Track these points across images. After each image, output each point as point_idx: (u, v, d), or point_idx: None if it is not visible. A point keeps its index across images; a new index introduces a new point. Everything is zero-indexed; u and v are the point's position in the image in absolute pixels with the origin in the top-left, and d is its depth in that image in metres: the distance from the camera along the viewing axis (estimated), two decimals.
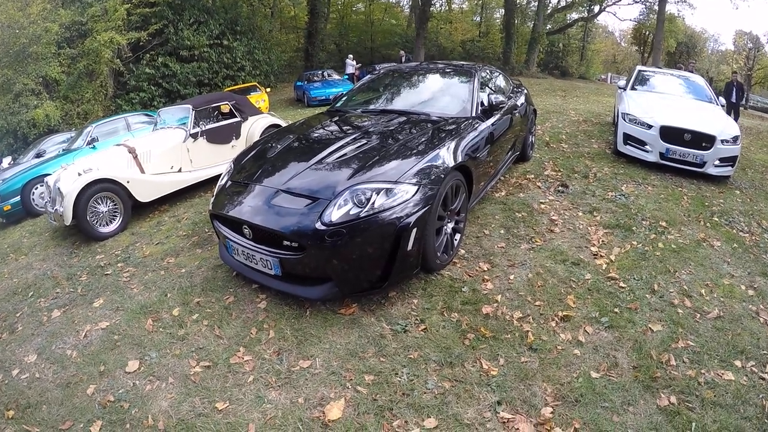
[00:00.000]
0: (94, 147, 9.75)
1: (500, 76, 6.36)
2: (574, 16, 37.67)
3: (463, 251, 4.33)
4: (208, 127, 7.44)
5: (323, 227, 3.14)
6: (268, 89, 19.47)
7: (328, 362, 3.08)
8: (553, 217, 5.08)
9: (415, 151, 3.72)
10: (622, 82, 9.47)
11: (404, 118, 4.58)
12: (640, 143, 7.11)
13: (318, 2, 29.24)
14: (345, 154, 3.74)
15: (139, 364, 3.28)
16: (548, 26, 34.92)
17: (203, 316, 3.70)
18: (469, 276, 3.91)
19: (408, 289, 3.71)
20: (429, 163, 3.58)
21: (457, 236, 4.19)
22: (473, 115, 4.69)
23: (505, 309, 3.48)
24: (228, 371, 3.10)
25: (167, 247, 5.28)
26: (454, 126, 4.35)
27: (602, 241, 4.59)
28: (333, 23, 36.96)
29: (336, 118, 4.97)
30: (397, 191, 3.27)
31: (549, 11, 34.53)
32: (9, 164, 12.71)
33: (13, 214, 8.66)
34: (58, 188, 6.01)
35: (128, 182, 6.23)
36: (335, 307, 3.57)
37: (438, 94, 5.25)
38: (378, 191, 3.24)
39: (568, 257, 4.23)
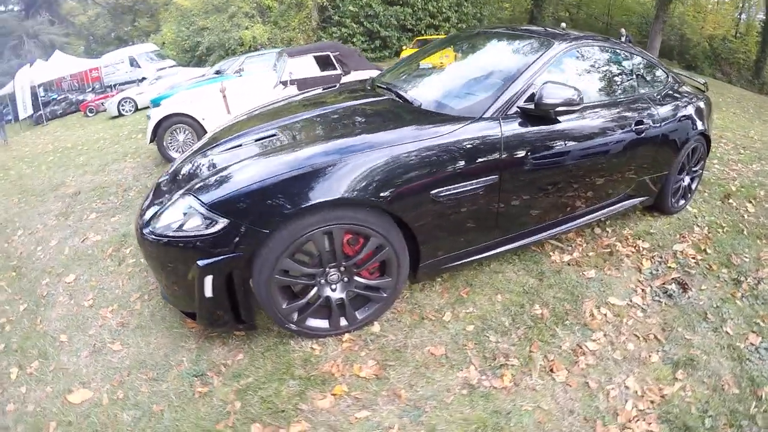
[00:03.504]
0: (241, 76, 10.12)
1: (638, 60, 3.67)
2: None
3: (376, 328, 2.66)
4: (301, 76, 6.91)
5: (148, 233, 2.31)
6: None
7: None
8: (597, 342, 2.64)
9: (273, 163, 2.32)
10: None
11: (358, 106, 3.13)
12: None
13: None
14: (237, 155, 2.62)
15: None
16: None
17: None
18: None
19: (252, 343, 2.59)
20: (270, 190, 2.17)
21: (366, 308, 2.63)
22: (489, 115, 2.62)
23: None
24: None
25: None
26: (394, 130, 2.51)
27: None
28: None
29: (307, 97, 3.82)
30: (198, 219, 2.16)
31: None
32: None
33: None
34: (148, 115, 6.70)
35: (203, 119, 6.51)
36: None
37: (462, 74, 3.46)
38: (192, 212, 2.18)
39: None
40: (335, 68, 7.37)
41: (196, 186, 2.31)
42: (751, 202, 4.59)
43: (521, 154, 2.66)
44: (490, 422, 2.09)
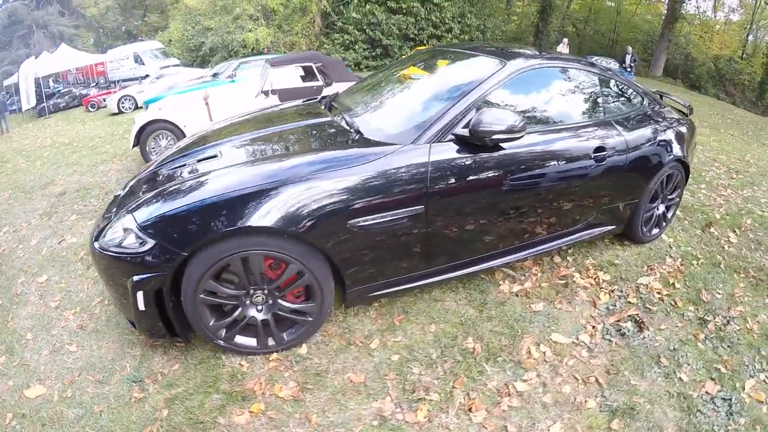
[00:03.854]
0: (233, 80, 10.38)
1: (606, 83, 3.51)
2: None
3: (303, 350, 2.69)
4: (283, 86, 7.06)
5: (96, 246, 2.43)
6: None
7: None
8: (528, 383, 2.48)
9: (198, 190, 2.41)
10: None
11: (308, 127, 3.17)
12: None
13: None
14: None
15: None
16: None
17: None
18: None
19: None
20: (190, 215, 2.27)
21: (293, 331, 2.67)
22: (418, 143, 2.55)
23: None
24: None
25: None
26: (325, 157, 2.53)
27: None
28: (580, 4, 33.01)
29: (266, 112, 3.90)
30: (133, 237, 2.31)
31: None
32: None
33: None
34: (134, 118, 6.91)
35: (185, 126, 6.60)
36: None
37: (405, 96, 3.36)
38: (129, 230, 2.33)
39: None
40: (317, 79, 7.40)
41: (134, 205, 2.42)
42: (734, 231, 4.32)
43: (453, 183, 2.57)
44: None
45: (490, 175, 2.69)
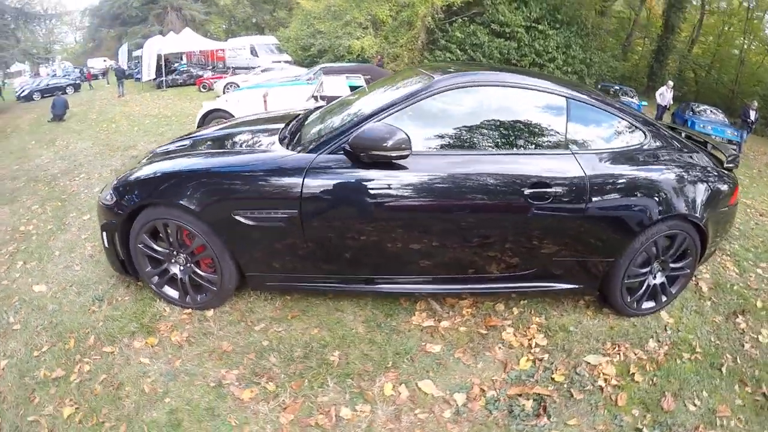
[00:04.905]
0: (311, 83, 11.30)
1: (583, 108, 2.86)
2: None
3: (209, 313, 3.04)
4: (331, 94, 7.68)
5: (98, 198, 3.15)
6: None
7: None
8: (356, 412, 2.31)
9: (155, 164, 2.97)
10: None
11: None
12: None
13: (674, 15, 24.87)
14: None
15: None
16: None
17: None
18: None
19: None
20: (138, 183, 2.87)
21: (205, 295, 3.03)
22: (312, 151, 2.64)
23: None
24: None
25: None
26: None
27: None
28: (703, 48, 31.06)
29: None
30: (110, 193, 2.94)
31: None
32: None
33: None
34: (202, 104, 8.01)
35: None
36: None
37: (334, 115, 3.23)
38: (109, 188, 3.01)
39: None
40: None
41: (125, 170, 3.11)
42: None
43: (329, 194, 2.58)
44: (194, 414, 2.25)
45: (372, 192, 2.59)
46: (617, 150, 2.85)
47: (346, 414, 2.27)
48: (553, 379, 2.56)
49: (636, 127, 2.92)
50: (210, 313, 2.96)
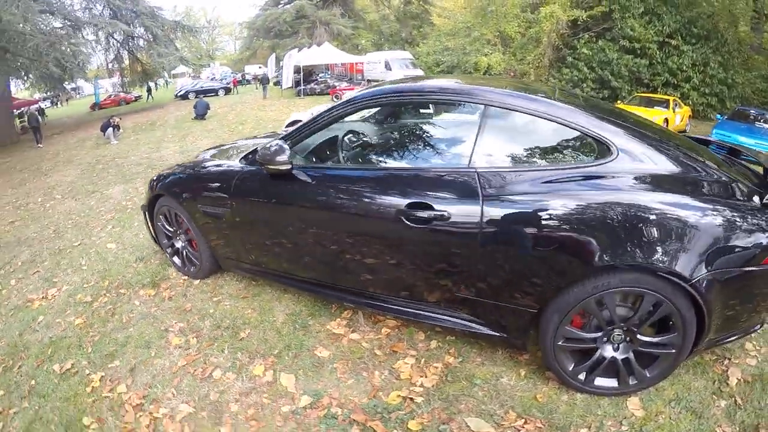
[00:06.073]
0: None
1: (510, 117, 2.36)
2: None
3: (193, 282, 3.69)
4: None
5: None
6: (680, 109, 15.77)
7: None
8: (222, 374, 2.65)
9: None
10: None
11: None
12: None
13: None
14: None
15: None
16: None
17: None
18: None
19: None
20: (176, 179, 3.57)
21: (193, 267, 3.70)
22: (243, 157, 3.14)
23: None
24: None
25: None
26: None
27: None
28: None
29: None
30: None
31: None
32: None
33: None
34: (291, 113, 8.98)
35: None
36: None
37: None
38: None
39: None
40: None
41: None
42: None
43: (245, 197, 2.96)
44: (138, 342, 3.01)
45: (272, 199, 2.88)
46: (547, 169, 2.22)
47: (217, 375, 2.63)
48: (406, 424, 2.21)
49: (600, 142, 2.15)
50: (196, 282, 3.70)
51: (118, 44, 23.22)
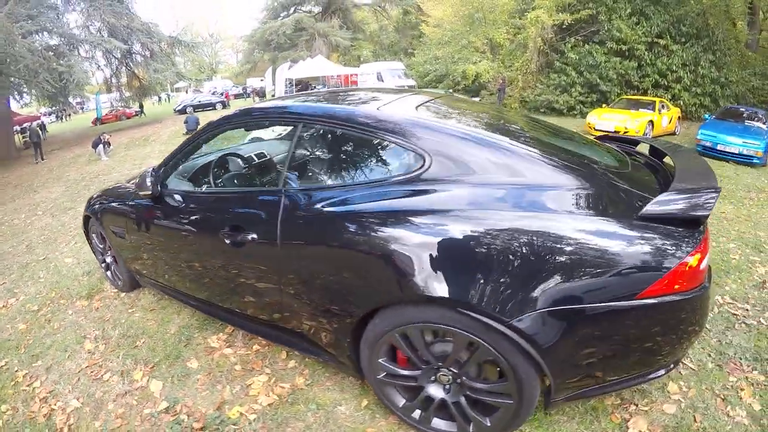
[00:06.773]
0: None
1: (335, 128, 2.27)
2: None
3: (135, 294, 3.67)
4: None
5: None
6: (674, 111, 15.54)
7: None
8: (112, 377, 2.95)
9: None
10: None
11: None
12: None
13: None
14: None
15: None
16: None
17: None
18: None
19: None
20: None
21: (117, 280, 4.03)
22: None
23: None
24: None
25: None
26: None
27: None
28: None
29: None
30: None
31: None
32: None
33: None
34: None
35: None
36: None
37: None
38: None
39: None
40: None
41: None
42: None
43: (140, 216, 3.14)
44: (58, 345, 3.36)
45: (152, 221, 3.05)
46: (346, 185, 2.09)
47: (106, 377, 2.96)
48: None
49: (415, 153, 1.94)
50: (123, 294, 4.03)
51: (117, 60, 23.85)
